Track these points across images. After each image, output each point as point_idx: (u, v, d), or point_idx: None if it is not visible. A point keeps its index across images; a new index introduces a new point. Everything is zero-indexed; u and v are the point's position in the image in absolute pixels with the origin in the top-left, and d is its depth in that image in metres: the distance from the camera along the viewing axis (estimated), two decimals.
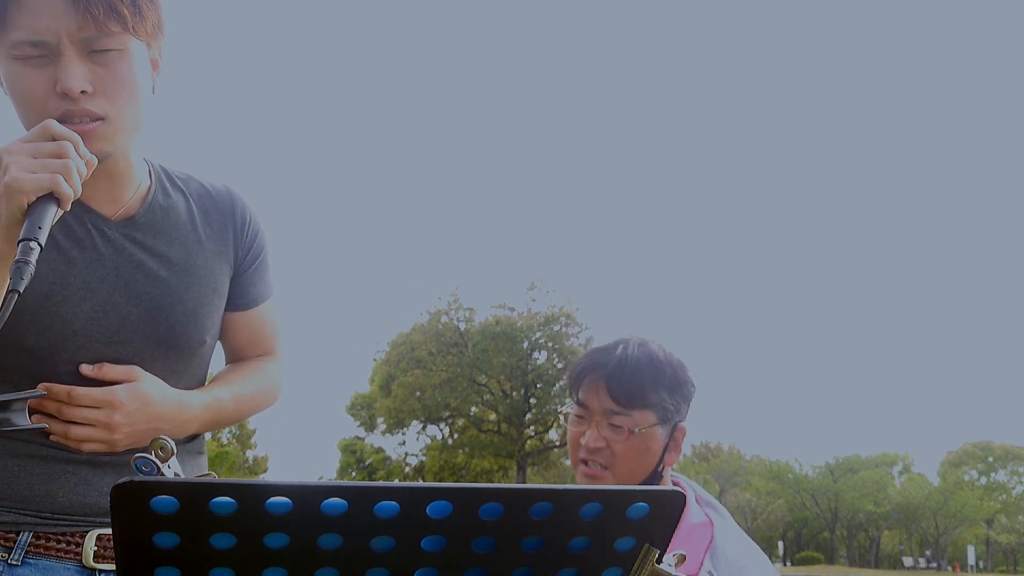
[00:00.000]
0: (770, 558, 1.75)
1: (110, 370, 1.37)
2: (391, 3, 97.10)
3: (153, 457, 0.86)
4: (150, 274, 1.42)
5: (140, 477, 0.78)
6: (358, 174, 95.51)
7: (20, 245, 1.06)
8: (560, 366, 42.46)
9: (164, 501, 0.69)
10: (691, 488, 1.82)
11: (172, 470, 0.87)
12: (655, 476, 1.76)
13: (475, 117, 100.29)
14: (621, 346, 1.76)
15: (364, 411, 49.44)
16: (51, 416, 1.35)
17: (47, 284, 1.33)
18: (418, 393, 43.17)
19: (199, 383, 1.53)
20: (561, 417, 1.85)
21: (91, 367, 1.37)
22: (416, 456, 49.54)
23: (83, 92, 1.27)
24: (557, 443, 44.38)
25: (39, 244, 1.07)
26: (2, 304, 1.01)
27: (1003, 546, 72.06)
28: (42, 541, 1.35)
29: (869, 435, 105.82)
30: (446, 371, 42.56)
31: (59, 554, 1.36)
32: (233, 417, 1.55)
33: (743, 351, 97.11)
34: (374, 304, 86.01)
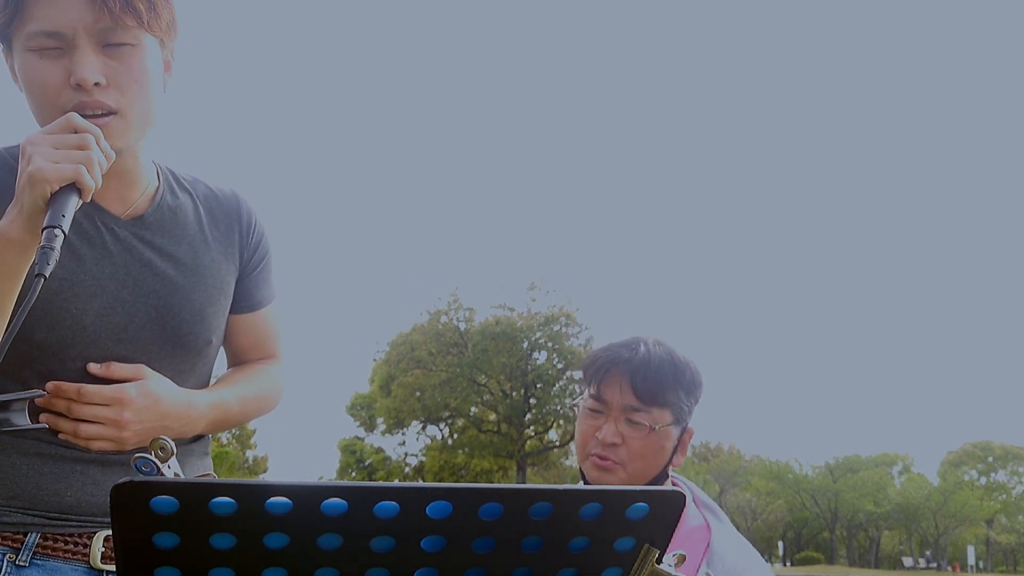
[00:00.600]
0: (770, 558, 1.75)
1: (118, 368, 1.38)
2: (391, 3, 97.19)
3: (153, 457, 0.86)
4: (158, 273, 1.44)
5: (140, 477, 0.78)
6: (358, 174, 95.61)
7: (45, 232, 1.09)
8: (560, 366, 42.46)
9: (164, 501, 0.69)
10: (689, 490, 1.81)
11: (172, 470, 0.87)
12: (663, 476, 1.76)
13: (475, 117, 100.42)
14: (642, 344, 1.76)
15: (364, 411, 49.44)
16: (60, 414, 1.35)
17: (57, 280, 1.34)
18: (418, 393, 43.17)
19: (204, 384, 1.53)
20: (575, 410, 1.83)
21: (99, 365, 1.37)
22: (416, 456, 49.57)
23: (97, 84, 1.29)
24: (557, 443, 44.39)
25: (63, 231, 1.10)
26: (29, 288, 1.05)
27: (1003, 546, 72.06)
28: (49, 542, 1.35)
29: (869, 435, 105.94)
30: (446, 371, 42.56)
31: (67, 555, 1.36)
32: (238, 419, 1.56)
33: (743, 351, 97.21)
34: (374, 304, 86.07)
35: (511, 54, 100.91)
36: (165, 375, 1.42)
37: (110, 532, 1.38)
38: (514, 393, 43.28)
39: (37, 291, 1.02)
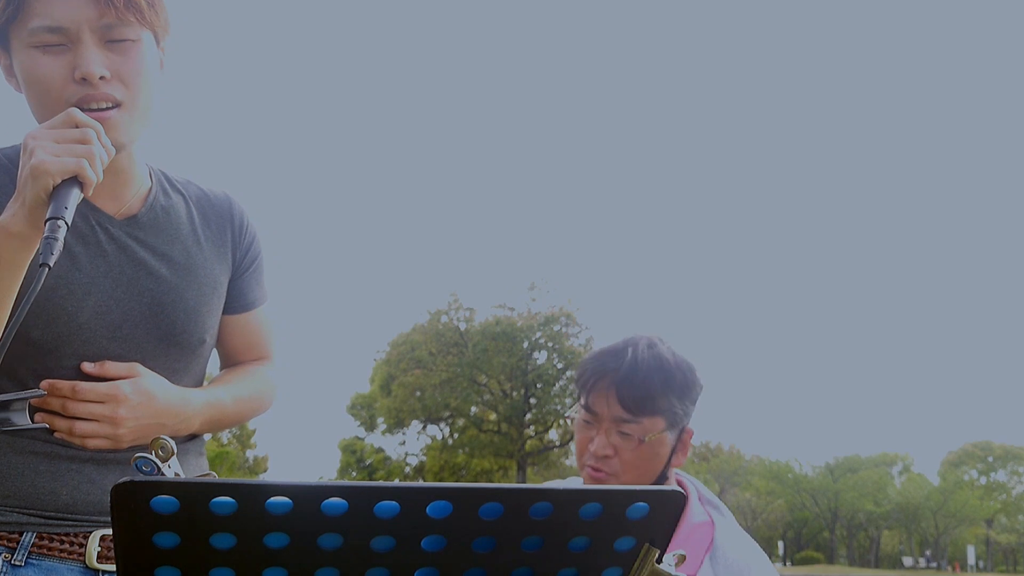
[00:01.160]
0: (770, 558, 1.74)
1: (112, 367, 1.38)
2: (391, 3, 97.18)
3: (153, 457, 0.87)
4: (152, 272, 1.44)
5: (140, 477, 0.79)
6: (358, 175, 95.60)
7: (48, 223, 1.10)
8: (560, 366, 42.46)
9: (164, 501, 0.69)
10: (694, 487, 1.81)
11: (172, 470, 0.87)
12: (662, 479, 1.75)
13: (475, 117, 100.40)
14: (630, 349, 1.72)
15: (364, 411, 49.45)
16: (55, 413, 1.36)
17: (52, 277, 1.34)
18: (418, 393, 43.18)
19: (198, 384, 1.53)
20: (569, 421, 1.83)
21: (93, 364, 1.37)
22: (416, 456, 49.57)
23: (102, 78, 1.31)
24: (557, 443, 44.38)
25: (66, 223, 1.11)
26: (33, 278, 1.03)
27: (1003, 546, 72.06)
28: (45, 541, 1.35)
29: (869, 435, 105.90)
30: (446, 371, 42.56)
31: (63, 555, 1.35)
32: (233, 418, 1.56)
33: (743, 351, 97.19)
34: (374, 304, 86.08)
35: (511, 54, 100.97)
36: (159, 374, 1.42)
37: (106, 531, 1.38)
38: (514, 393, 43.27)
39: (42, 281, 1.03)
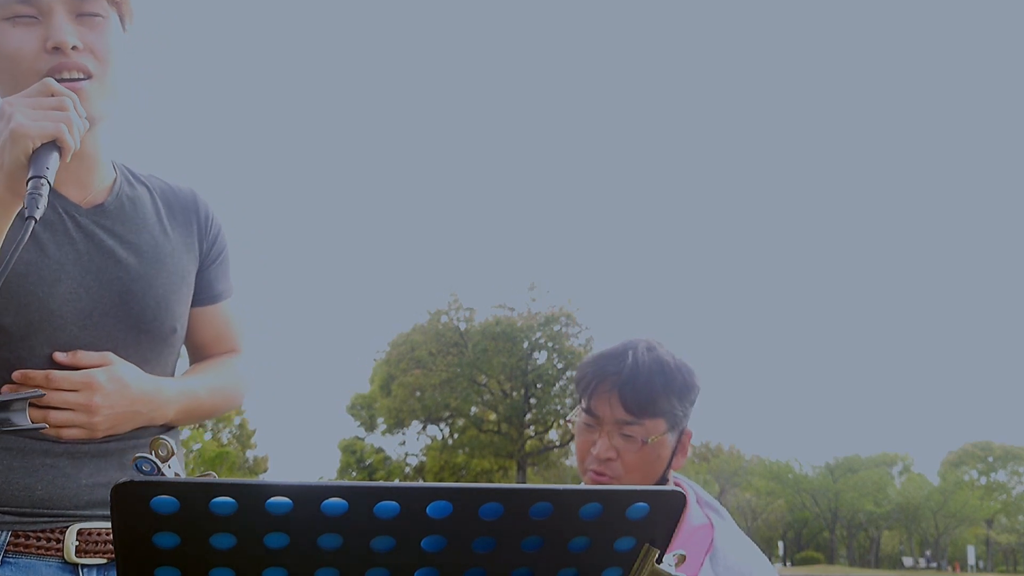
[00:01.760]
0: (770, 558, 1.74)
1: (84, 356, 1.38)
2: (391, 2, 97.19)
3: (153, 457, 0.87)
4: (120, 260, 1.44)
5: (140, 477, 0.78)
6: (358, 175, 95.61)
7: (31, 181, 1.11)
8: (560, 366, 42.47)
9: (164, 501, 0.69)
10: (692, 490, 1.81)
11: (172, 470, 0.87)
12: (662, 481, 1.75)
13: (475, 117, 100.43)
14: (631, 352, 1.73)
15: (364, 411, 49.47)
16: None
17: (22, 264, 1.34)
18: (418, 393, 43.20)
19: (169, 375, 1.53)
20: (570, 425, 1.81)
21: (65, 354, 1.37)
22: (416, 456, 49.60)
23: (74, 48, 1.33)
24: (557, 443, 44.39)
25: (48, 182, 1.12)
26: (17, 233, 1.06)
27: (1003, 546, 72.05)
28: (21, 539, 1.34)
29: (869, 435, 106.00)
30: (446, 371, 42.58)
31: (40, 551, 1.35)
32: (207, 409, 1.55)
33: (743, 351, 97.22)
34: (374, 304, 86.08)
35: (511, 54, 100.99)
36: (131, 363, 1.42)
37: (83, 525, 1.37)
38: (514, 393, 43.28)
39: (28, 233, 1.04)
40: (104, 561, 1.38)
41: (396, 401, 43.68)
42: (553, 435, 44.53)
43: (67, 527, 1.37)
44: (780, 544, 70.79)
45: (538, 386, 42.93)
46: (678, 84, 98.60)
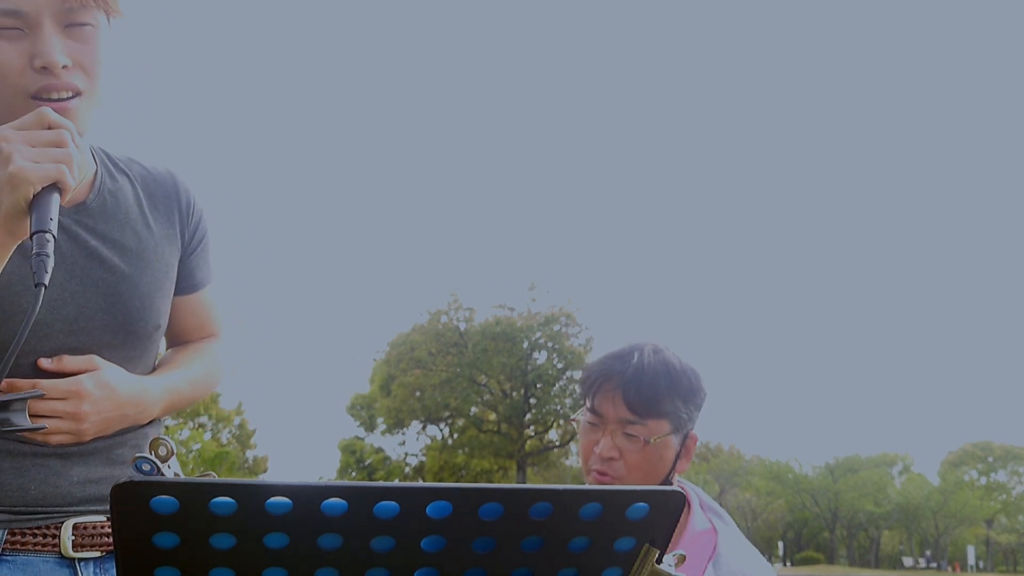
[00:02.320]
0: (770, 558, 1.74)
1: (69, 362, 1.36)
2: (391, 2, 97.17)
3: (153, 457, 0.87)
4: (104, 261, 1.42)
5: (140, 477, 0.79)
6: (358, 174, 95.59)
7: (35, 237, 1.07)
8: (560, 366, 42.48)
9: (164, 501, 0.69)
10: (696, 495, 1.80)
11: (172, 470, 0.87)
12: (666, 484, 1.74)
13: (475, 117, 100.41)
14: (636, 353, 1.73)
15: (364, 411, 49.48)
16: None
17: (5, 274, 1.32)
18: (418, 393, 43.20)
19: (149, 369, 1.53)
20: (574, 424, 1.82)
21: (50, 360, 1.35)
22: (416, 456, 49.59)
23: (64, 67, 1.27)
24: (557, 443, 44.39)
25: (53, 236, 1.07)
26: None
27: (1003, 546, 72.07)
28: (18, 537, 1.33)
29: (869, 435, 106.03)
30: (446, 371, 42.58)
31: (36, 548, 1.34)
32: (188, 400, 1.55)
33: (743, 351, 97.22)
34: (374, 304, 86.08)
35: (511, 55, 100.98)
36: (115, 363, 1.41)
37: (79, 520, 1.37)
38: (514, 393, 43.29)
39: (39, 302, 1.01)
40: (100, 554, 1.38)
41: (396, 401, 43.69)
42: (553, 435, 44.54)
43: (62, 522, 1.37)
44: (780, 544, 70.81)
45: (538, 386, 42.93)
46: (678, 84, 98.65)
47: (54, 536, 1.36)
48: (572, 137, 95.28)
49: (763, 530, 69.32)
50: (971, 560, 67.79)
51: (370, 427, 49.93)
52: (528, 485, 0.75)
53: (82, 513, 1.38)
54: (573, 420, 1.81)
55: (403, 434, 48.34)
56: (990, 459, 69.10)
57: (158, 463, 0.87)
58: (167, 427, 1.60)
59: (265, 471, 47.68)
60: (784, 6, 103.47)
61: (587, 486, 0.76)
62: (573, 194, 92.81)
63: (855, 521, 69.06)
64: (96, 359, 1.38)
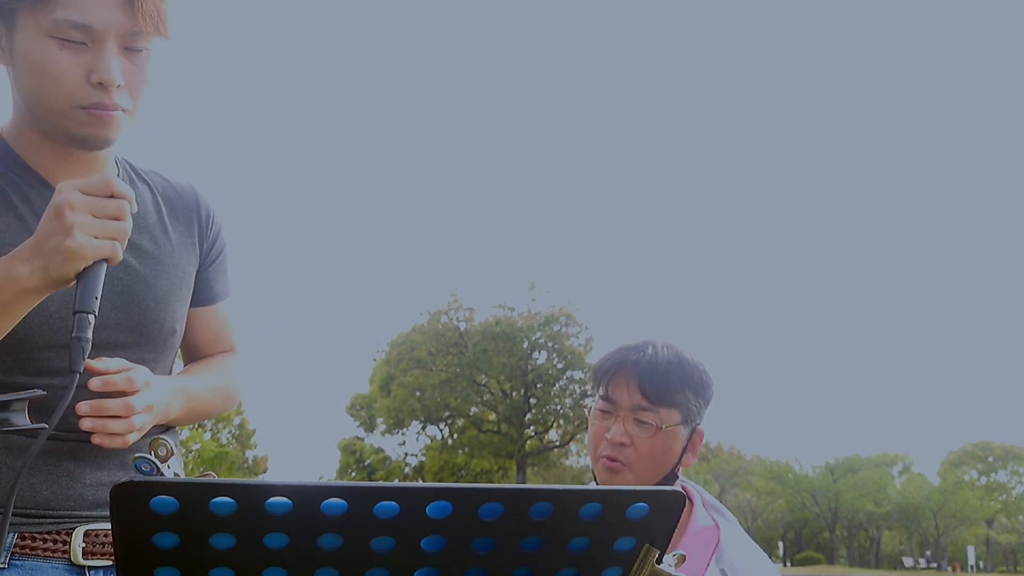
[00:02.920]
0: (770, 558, 1.76)
1: (111, 363, 1.35)
2: (391, 3, 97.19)
3: (153, 457, 0.87)
4: (121, 261, 1.41)
5: (140, 477, 0.79)
6: (358, 174, 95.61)
7: (77, 317, 1.11)
8: (560, 366, 42.48)
9: (164, 501, 0.69)
10: (699, 493, 1.83)
11: (172, 470, 0.87)
12: (671, 476, 1.77)
13: (475, 117, 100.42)
14: (650, 346, 1.78)
15: (364, 411, 49.48)
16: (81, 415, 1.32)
17: None
18: (418, 393, 43.21)
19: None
20: (585, 411, 1.85)
21: (98, 361, 1.32)
22: (416, 456, 49.61)
23: (118, 86, 1.32)
24: (557, 443, 44.40)
25: (95, 317, 1.13)
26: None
27: (1003, 546, 72.09)
28: (28, 541, 1.33)
29: (869, 435, 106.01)
30: (446, 371, 42.59)
31: (46, 554, 1.34)
32: (207, 409, 1.55)
33: (743, 351, 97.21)
34: (374, 304, 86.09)
35: (511, 54, 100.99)
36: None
37: (90, 527, 1.37)
38: (514, 393, 43.30)
39: (73, 388, 1.07)
40: (110, 563, 1.37)
41: (396, 401, 43.69)
42: (553, 435, 44.56)
43: (73, 528, 1.36)
44: (780, 544, 70.81)
45: (538, 386, 42.94)
46: (678, 84, 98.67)
47: (64, 543, 1.35)
48: (572, 137, 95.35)
49: (763, 530, 69.34)
50: (971, 560, 67.76)
51: (370, 427, 49.93)
52: (528, 485, 0.75)
53: (94, 519, 1.37)
54: (584, 407, 1.84)
55: (403, 434, 48.37)
56: (990, 459, 69.12)
57: (158, 463, 0.87)
58: None
59: (265, 471, 47.71)
60: (784, 6, 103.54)
61: (587, 486, 0.77)
62: (573, 194, 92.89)
63: (855, 521, 69.07)
64: (125, 362, 1.36)
